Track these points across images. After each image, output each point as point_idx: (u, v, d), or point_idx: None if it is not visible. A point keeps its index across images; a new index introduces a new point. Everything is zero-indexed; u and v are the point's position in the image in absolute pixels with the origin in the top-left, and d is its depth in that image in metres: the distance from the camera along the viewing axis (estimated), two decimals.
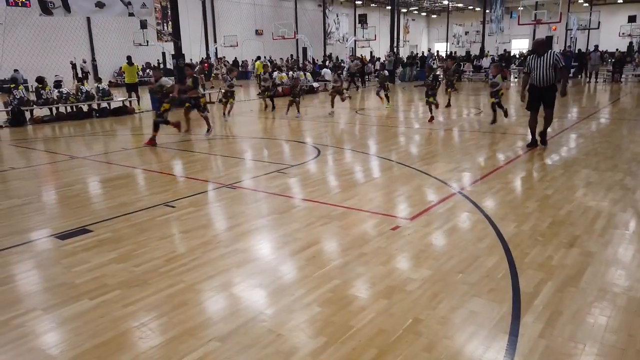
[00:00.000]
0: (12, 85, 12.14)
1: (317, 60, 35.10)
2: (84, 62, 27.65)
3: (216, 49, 35.59)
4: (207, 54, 31.00)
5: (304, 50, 34.50)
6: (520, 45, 51.18)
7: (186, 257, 4.08)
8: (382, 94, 14.67)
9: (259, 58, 27.25)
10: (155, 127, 9.33)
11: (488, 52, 33.99)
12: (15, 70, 22.75)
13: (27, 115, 12.65)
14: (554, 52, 7.76)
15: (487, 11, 34.39)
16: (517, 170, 6.88)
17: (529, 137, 8.52)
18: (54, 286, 3.58)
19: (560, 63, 7.63)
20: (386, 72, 18.61)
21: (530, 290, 3.32)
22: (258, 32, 42.56)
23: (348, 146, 9.00)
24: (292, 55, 37.06)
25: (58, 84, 13.49)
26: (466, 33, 46.74)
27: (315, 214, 5.09)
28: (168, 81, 9.87)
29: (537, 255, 3.90)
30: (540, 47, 7.75)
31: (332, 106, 13.92)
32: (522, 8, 31.53)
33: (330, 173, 7.04)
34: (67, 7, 11.72)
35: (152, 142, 9.18)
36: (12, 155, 8.97)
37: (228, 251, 4.24)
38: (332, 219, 4.95)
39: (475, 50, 38.68)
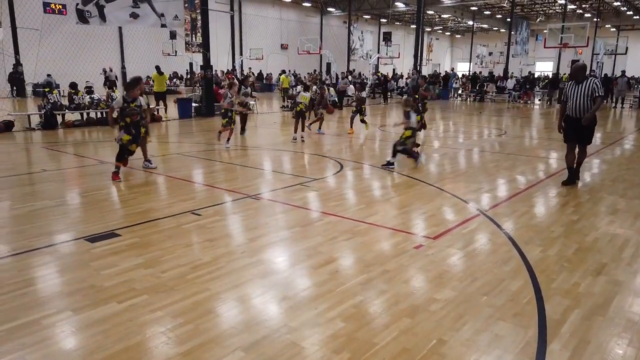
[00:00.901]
0: (46, 90, 12.55)
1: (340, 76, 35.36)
2: (110, 70, 28.26)
3: (241, 61, 36.17)
4: (234, 66, 31.56)
5: (328, 65, 34.82)
6: (544, 68, 50.85)
7: (211, 265, 4.14)
8: (358, 118, 13.15)
9: (283, 72, 27.64)
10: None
11: (512, 73, 33.82)
12: (48, 75, 23.47)
13: (59, 119, 13.03)
14: (593, 79, 6.95)
15: (513, 33, 34.32)
16: (541, 194, 6.81)
17: (548, 162, 8.43)
18: (84, 288, 3.67)
19: (598, 92, 6.80)
20: (363, 94, 15.56)
21: (557, 317, 3.29)
22: (283, 46, 43.19)
23: (370, 162, 9.03)
24: (315, 70, 37.43)
25: (90, 90, 13.89)
26: (490, 54, 46.67)
27: (338, 229, 5.13)
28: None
29: (564, 282, 3.86)
30: (580, 73, 6.97)
31: (296, 130, 11.53)
32: (547, 31, 31.39)
33: (353, 188, 7.07)
34: (103, 17, 12.11)
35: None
36: (44, 158, 9.24)
37: (252, 262, 4.29)
38: (355, 234, 4.97)
39: (498, 71, 38.54)
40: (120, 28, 29.93)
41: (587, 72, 7.36)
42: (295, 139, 11.33)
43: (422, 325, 3.17)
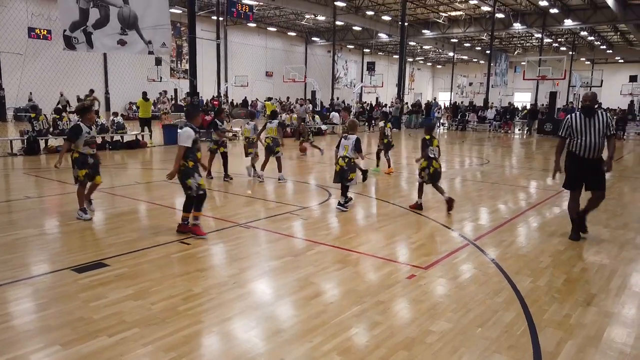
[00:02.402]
0: (32, 115, 12.40)
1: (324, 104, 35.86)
2: (61, 95, 26.64)
3: (227, 88, 36.40)
4: (219, 93, 31.72)
5: (313, 93, 35.28)
6: (523, 98, 52.26)
7: (202, 296, 4.08)
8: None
9: (269, 99, 27.86)
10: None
11: (492, 103, 34.71)
12: (30, 100, 23.21)
13: (42, 144, 12.85)
14: (606, 113, 5.92)
15: (492, 64, 35.42)
16: (526, 224, 6.92)
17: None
18: (73, 320, 3.57)
19: (612, 129, 5.74)
20: (381, 124, 12.76)
21: (551, 349, 3.31)
22: (268, 74, 43.68)
23: (356, 190, 9.08)
24: (287, 98, 37.95)
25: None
26: (470, 84, 47.97)
27: (329, 259, 5.11)
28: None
29: (555, 313, 3.90)
30: (594, 104, 5.78)
31: (264, 167, 9.97)
32: (525, 63, 32.45)
33: (342, 217, 7.09)
34: (90, 44, 12.13)
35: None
36: (26, 184, 9.06)
37: (244, 292, 4.24)
38: (347, 264, 4.96)
39: (478, 101, 39.50)
40: (104, 53, 29.94)
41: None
42: (261, 178, 9.72)
43: (419, 359, 3.15)
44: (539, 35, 39.10)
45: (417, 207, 7.45)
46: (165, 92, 25.33)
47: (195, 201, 5.72)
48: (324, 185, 9.51)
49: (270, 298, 4.16)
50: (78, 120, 6.61)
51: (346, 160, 7.11)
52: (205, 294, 4.12)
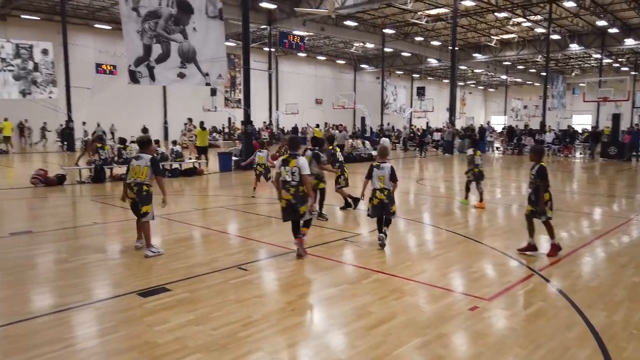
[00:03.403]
0: (99, 145, 13.20)
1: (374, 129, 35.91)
2: (98, 125, 27.45)
3: (278, 115, 37.34)
4: (270, 121, 32.60)
5: (362, 119, 35.46)
6: (582, 121, 50.14)
7: (262, 323, 4.09)
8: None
9: (317, 125, 28.29)
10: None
11: (549, 126, 33.47)
12: (98, 126, 24.60)
13: (107, 172, 13.60)
14: None
15: (548, 86, 34.31)
16: (595, 254, 6.53)
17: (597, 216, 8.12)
18: (139, 345, 3.68)
19: None
20: (477, 160, 10.08)
21: None
22: (318, 101, 44.43)
23: (411, 217, 8.93)
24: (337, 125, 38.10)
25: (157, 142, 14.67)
26: (525, 107, 46.56)
27: (386, 287, 5.02)
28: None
29: (636, 351, 3.61)
30: None
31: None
32: (584, 84, 31.21)
33: (398, 244, 6.96)
34: (152, 77, 12.83)
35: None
36: (94, 211, 9.57)
37: (302, 320, 4.23)
38: (405, 293, 4.85)
39: (534, 124, 38.21)
40: (164, 86, 31.56)
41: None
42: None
43: None
44: (598, 56, 37.64)
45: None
46: (191, 120, 25.95)
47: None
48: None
49: (329, 326, 4.12)
50: (139, 152, 6.46)
51: (385, 193, 6.38)
52: (265, 321, 4.13)
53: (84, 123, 25.80)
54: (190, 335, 3.84)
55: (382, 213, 6.54)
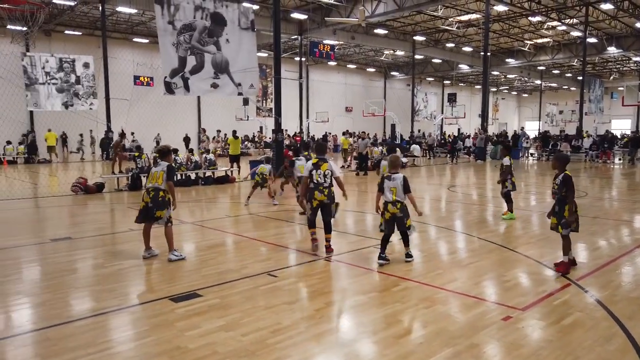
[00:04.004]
0: (136, 155, 13.61)
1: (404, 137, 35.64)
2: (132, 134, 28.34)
3: (308, 124, 37.59)
4: (301, 129, 32.83)
5: (392, 126, 35.28)
6: (621, 126, 48.37)
7: (291, 329, 4.11)
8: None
9: (344, 133, 28.28)
10: None
11: (587, 132, 32.43)
12: (134, 141, 25.44)
13: (144, 180, 14.01)
14: None
15: (585, 91, 33.29)
16: (639, 262, 6.26)
17: None
18: (170, 349, 3.75)
19: None
20: (505, 160, 9.37)
21: None
22: (348, 109, 44.50)
23: (443, 224, 8.80)
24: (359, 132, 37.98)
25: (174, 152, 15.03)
26: (560, 112, 45.27)
27: (416, 295, 4.96)
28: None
29: None
30: None
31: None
32: (622, 88, 30.14)
33: (428, 252, 6.88)
34: (187, 88, 13.17)
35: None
36: (130, 218, 9.83)
37: (331, 327, 4.22)
38: (435, 302, 4.77)
39: (570, 130, 37.12)
40: (198, 97, 32.29)
41: None
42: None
43: None
44: (638, 59, 36.29)
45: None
46: (204, 130, 26.21)
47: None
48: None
49: (358, 334, 4.09)
50: (159, 161, 6.61)
51: (398, 206, 5.95)
52: (294, 328, 4.15)
53: (132, 133, 26.66)
54: (220, 341, 3.89)
55: (395, 228, 6.06)
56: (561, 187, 5.64)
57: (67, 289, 5.26)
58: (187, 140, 31.14)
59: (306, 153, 9.85)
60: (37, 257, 6.72)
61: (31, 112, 26.28)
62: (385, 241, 6.11)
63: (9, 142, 24.91)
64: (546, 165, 24.34)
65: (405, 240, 6.19)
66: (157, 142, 28.14)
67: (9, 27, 16.47)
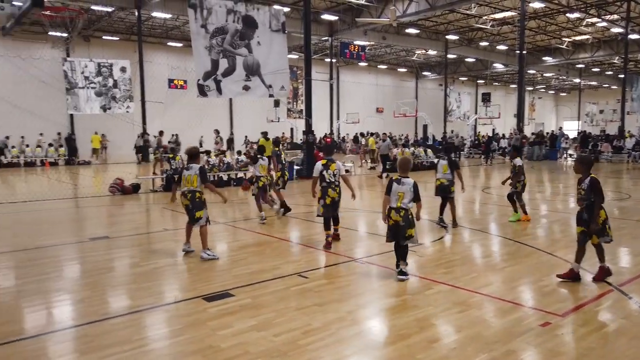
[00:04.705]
0: (170, 156, 13.89)
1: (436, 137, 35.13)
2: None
3: (339, 125, 37.57)
4: (331, 130, 32.82)
5: (424, 127, 34.84)
6: None
7: (322, 331, 4.09)
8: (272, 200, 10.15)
9: (372, 134, 28.10)
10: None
11: (629, 131, 31.12)
12: (170, 142, 25.83)
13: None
14: None
15: (627, 89, 31.97)
16: None
17: None
18: (203, 348, 3.79)
19: None
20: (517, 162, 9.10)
21: None
22: (379, 110, 44.20)
23: (477, 226, 8.61)
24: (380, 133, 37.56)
25: (207, 153, 15.29)
26: (601, 111, 43.67)
27: (450, 299, 4.85)
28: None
29: None
30: None
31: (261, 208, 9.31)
32: None
33: (463, 255, 6.73)
34: (219, 90, 13.39)
35: None
36: (164, 218, 10.08)
37: (363, 330, 4.18)
38: (470, 306, 4.66)
39: (611, 130, 35.73)
40: (230, 99, 32.75)
41: None
42: (264, 219, 9.09)
43: None
44: None
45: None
46: (218, 131, 25.95)
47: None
48: (440, 220, 9.16)
49: (390, 338, 4.04)
50: (188, 163, 6.74)
51: (402, 213, 5.36)
52: (325, 329, 4.13)
53: (173, 135, 27.20)
54: (252, 341, 3.90)
55: (396, 238, 5.48)
56: (588, 192, 5.19)
57: (105, 286, 5.40)
58: (230, 142, 31.42)
59: (277, 148, 10.50)
60: (76, 256, 6.95)
61: (71, 115, 27.21)
62: (401, 250, 5.55)
63: (50, 145, 25.88)
64: None
65: (401, 254, 5.52)
66: (201, 144, 28.48)
67: (50, 33, 17.11)
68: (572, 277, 5.32)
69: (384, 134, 22.53)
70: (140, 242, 7.70)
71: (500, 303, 4.73)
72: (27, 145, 24.90)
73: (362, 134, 28.68)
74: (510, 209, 9.14)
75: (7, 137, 24.92)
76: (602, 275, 5.31)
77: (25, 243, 7.51)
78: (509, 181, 8.90)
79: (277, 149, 10.36)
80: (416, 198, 5.45)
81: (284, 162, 9.70)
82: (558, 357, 3.57)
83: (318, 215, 7.18)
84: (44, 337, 4.07)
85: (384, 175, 17.11)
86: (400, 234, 5.41)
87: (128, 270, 6.13)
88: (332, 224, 7.21)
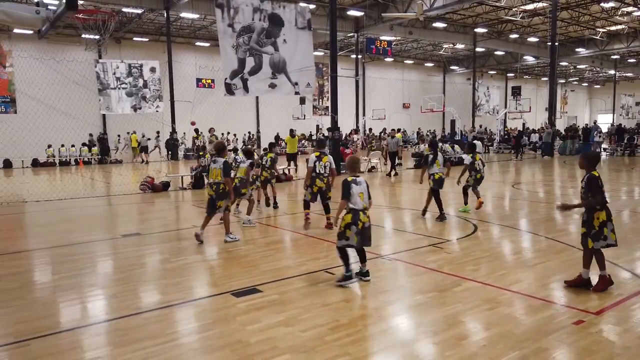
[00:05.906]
0: (200, 154, 14.12)
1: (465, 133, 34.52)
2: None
3: (365, 121, 37.39)
4: (357, 127, 32.71)
5: (452, 122, 34.32)
6: None
7: (349, 327, 4.10)
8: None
9: (398, 130, 27.74)
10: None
11: None
12: (197, 136, 26.12)
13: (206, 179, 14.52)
14: None
15: None
16: None
17: None
18: (232, 343, 3.85)
19: None
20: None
21: None
22: (405, 106, 43.79)
23: (507, 223, 8.44)
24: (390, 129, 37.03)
25: (235, 151, 15.48)
26: (637, 104, 42.10)
27: (479, 296, 4.78)
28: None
29: None
30: None
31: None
32: None
33: (492, 251, 6.62)
34: (246, 89, 13.50)
35: None
36: (193, 215, 10.23)
37: (390, 326, 4.16)
38: (500, 303, 4.58)
39: None
40: (257, 97, 33.01)
41: None
42: (252, 223, 8.73)
43: None
44: None
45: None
46: (213, 129, 25.64)
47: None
48: (467, 217, 9.03)
49: (417, 335, 4.01)
50: (215, 157, 7.36)
51: (367, 214, 5.19)
52: (352, 325, 4.13)
53: (210, 130, 27.55)
54: (280, 336, 3.94)
55: (365, 242, 5.19)
56: (586, 190, 4.84)
57: (136, 282, 5.54)
58: (271, 146, 31.67)
59: (266, 150, 10.83)
60: (109, 252, 7.15)
61: (103, 115, 27.95)
62: (362, 252, 5.30)
63: (84, 144, 26.67)
64: (621, 161, 22.76)
65: (363, 258, 5.33)
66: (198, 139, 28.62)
67: (83, 35, 17.61)
68: (582, 283, 4.92)
69: (393, 130, 21.91)
70: (170, 239, 7.87)
71: (531, 300, 4.63)
72: (62, 145, 25.74)
73: (383, 131, 28.14)
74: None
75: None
76: (603, 285, 4.84)
77: (61, 240, 7.78)
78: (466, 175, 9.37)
79: (265, 150, 10.74)
80: (369, 196, 5.27)
81: (265, 163, 9.90)
82: (592, 356, 3.48)
83: (304, 200, 8.11)
84: (79, 330, 4.21)
85: (393, 173, 16.68)
86: (367, 236, 5.18)
87: (159, 266, 6.27)
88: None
